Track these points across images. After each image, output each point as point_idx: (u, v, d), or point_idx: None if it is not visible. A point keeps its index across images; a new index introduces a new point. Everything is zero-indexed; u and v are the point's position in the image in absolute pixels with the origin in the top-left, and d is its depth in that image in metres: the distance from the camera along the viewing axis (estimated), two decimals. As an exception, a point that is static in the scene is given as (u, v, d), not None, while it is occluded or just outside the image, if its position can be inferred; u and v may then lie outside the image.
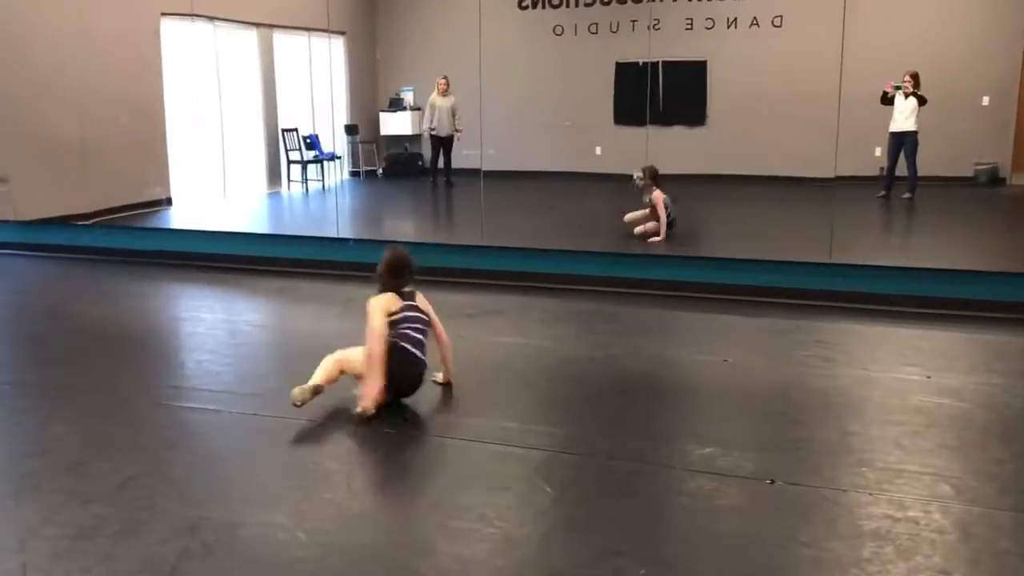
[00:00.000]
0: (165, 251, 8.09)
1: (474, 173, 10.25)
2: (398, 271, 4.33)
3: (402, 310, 4.21)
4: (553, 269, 6.91)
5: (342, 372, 4.17)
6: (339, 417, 4.09)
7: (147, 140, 10.42)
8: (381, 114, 14.53)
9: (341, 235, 8.26)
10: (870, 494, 3.29)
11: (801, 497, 3.29)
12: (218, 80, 11.66)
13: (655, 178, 8.34)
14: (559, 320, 5.95)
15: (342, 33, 13.85)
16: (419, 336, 4.22)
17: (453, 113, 12.18)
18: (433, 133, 12.25)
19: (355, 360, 4.14)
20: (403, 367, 4.12)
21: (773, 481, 3.40)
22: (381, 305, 4.18)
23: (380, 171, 14.50)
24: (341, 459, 3.66)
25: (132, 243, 8.39)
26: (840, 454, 3.68)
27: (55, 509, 3.23)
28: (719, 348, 5.28)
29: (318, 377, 4.10)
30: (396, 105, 14.44)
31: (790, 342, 5.38)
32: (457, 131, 12.19)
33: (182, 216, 10.37)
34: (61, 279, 7.77)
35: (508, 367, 4.93)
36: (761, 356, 5.12)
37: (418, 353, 4.18)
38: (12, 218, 8.75)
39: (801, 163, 11.59)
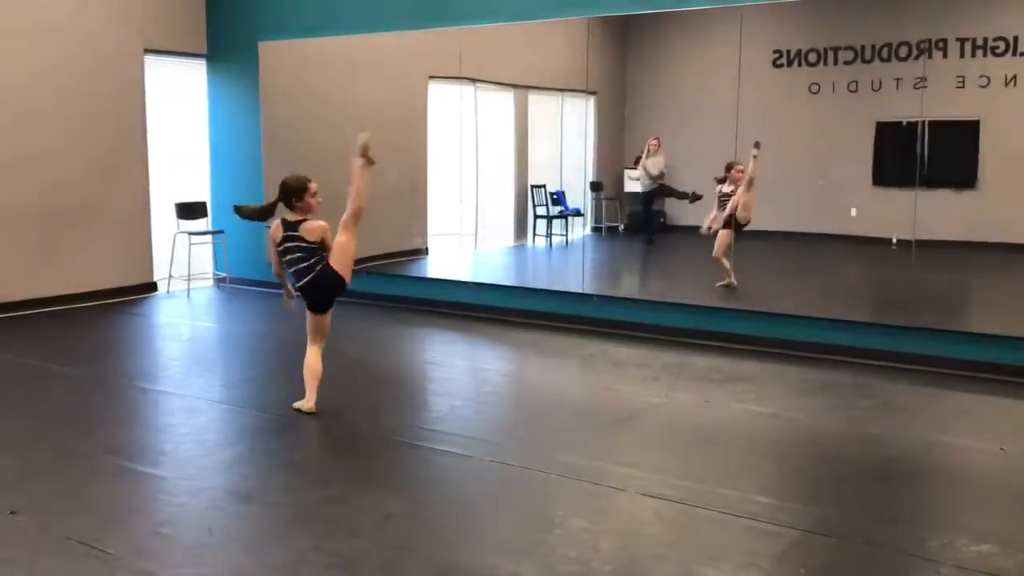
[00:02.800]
0: (422, 298, 8.58)
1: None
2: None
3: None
4: (805, 336, 6.64)
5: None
6: (586, 477, 4.12)
7: (410, 193, 11.15)
8: (626, 171, 14.71)
9: (585, 291, 8.38)
10: None
11: (1100, 615, 2.92)
12: (476, 138, 12.31)
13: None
14: (812, 392, 5.67)
15: (593, 93, 14.18)
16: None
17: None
18: (642, 191, 12.50)
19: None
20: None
21: (1065, 592, 3.04)
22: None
23: (621, 227, 14.65)
24: (587, 518, 3.67)
25: (392, 289, 8.97)
26: None
27: (322, 537, 3.46)
28: (993, 434, 4.83)
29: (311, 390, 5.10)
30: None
31: (1080, 434, 4.83)
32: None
33: (437, 265, 10.94)
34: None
35: (757, 438, 4.76)
36: (1045, 447, 4.63)
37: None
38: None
39: (1090, 234, 10.43)
